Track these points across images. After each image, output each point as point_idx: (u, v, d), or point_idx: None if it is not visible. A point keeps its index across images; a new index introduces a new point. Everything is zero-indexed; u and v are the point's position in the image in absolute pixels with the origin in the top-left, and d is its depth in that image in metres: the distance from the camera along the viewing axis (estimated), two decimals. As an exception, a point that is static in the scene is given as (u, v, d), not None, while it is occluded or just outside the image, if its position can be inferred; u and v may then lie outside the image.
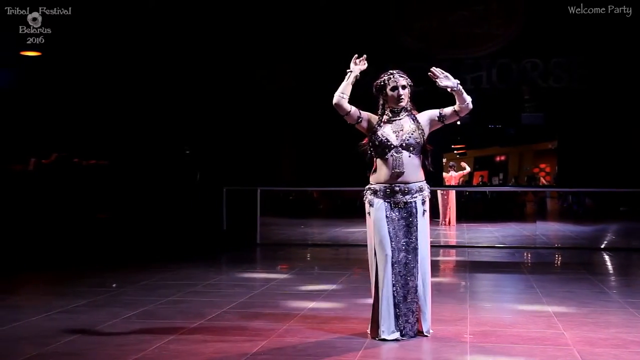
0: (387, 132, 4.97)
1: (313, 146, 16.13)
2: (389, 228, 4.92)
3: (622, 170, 13.90)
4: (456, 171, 16.74)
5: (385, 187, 4.98)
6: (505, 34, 13.40)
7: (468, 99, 4.96)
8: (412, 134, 4.95)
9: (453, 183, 16.42)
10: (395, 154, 4.93)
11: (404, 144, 4.93)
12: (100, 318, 5.61)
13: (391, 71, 5.04)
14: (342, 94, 4.96)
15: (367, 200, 5.05)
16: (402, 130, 4.97)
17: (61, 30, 11.28)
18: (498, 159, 30.53)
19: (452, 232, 14.39)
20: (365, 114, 5.07)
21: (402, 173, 4.94)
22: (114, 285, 7.31)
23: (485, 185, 25.62)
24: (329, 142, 14.22)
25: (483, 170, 29.64)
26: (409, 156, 4.95)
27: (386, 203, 4.96)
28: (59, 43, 12.28)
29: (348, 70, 5.01)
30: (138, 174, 13.63)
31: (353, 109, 5.01)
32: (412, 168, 4.97)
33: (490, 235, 13.95)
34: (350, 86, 4.99)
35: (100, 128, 13.74)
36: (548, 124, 16.36)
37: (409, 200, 4.95)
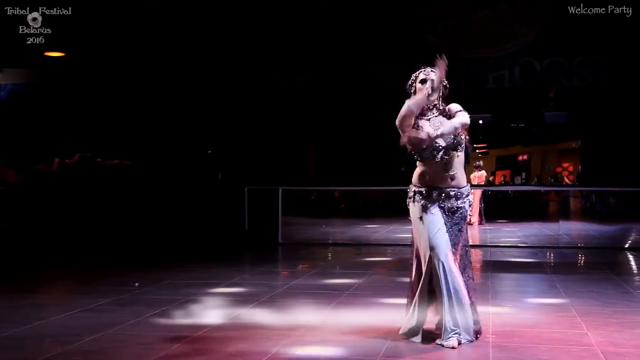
0: (430, 132, 4.68)
1: (334, 146, 16.16)
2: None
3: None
4: (479, 171, 16.66)
5: (439, 190, 4.77)
6: (529, 32, 13.32)
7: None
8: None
9: (477, 183, 16.34)
10: (444, 156, 4.71)
11: (451, 145, 4.71)
12: (124, 317, 5.65)
13: (424, 67, 4.87)
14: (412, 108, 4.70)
15: (420, 204, 4.79)
16: (440, 128, 4.70)
17: (61, 30, 11.34)
18: (521, 158, 30.44)
19: (474, 232, 14.32)
20: None
21: (455, 175, 4.76)
22: (136, 284, 7.36)
23: (508, 184, 25.52)
24: (350, 143, 14.23)
25: (505, 169, 29.55)
26: (457, 156, 4.77)
27: (439, 208, 4.76)
28: (83, 44, 12.39)
29: (426, 87, 4.71)
30: (161, 174, 13.72)
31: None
32: (461, 169, 4.81)
33: (512, 234, 13.88)
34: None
35: (123, 128, 13.86)
36: (571, 123, 16.28)
37: (460, 205, 4.78)
